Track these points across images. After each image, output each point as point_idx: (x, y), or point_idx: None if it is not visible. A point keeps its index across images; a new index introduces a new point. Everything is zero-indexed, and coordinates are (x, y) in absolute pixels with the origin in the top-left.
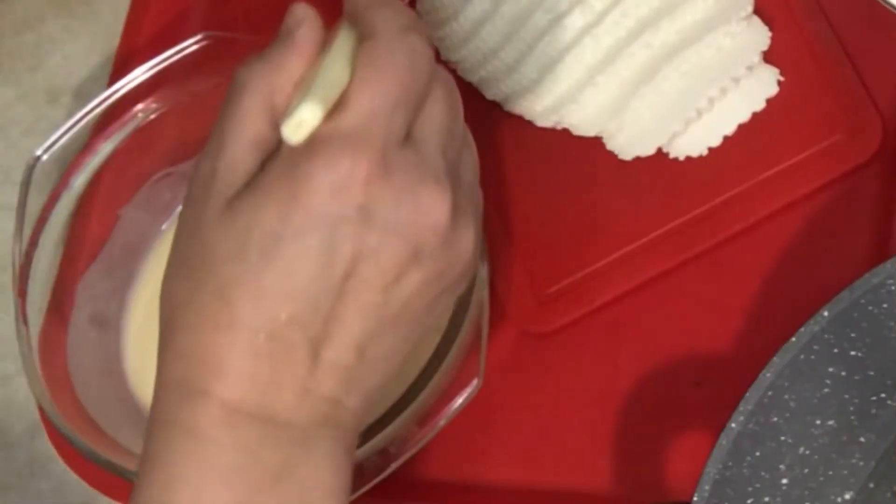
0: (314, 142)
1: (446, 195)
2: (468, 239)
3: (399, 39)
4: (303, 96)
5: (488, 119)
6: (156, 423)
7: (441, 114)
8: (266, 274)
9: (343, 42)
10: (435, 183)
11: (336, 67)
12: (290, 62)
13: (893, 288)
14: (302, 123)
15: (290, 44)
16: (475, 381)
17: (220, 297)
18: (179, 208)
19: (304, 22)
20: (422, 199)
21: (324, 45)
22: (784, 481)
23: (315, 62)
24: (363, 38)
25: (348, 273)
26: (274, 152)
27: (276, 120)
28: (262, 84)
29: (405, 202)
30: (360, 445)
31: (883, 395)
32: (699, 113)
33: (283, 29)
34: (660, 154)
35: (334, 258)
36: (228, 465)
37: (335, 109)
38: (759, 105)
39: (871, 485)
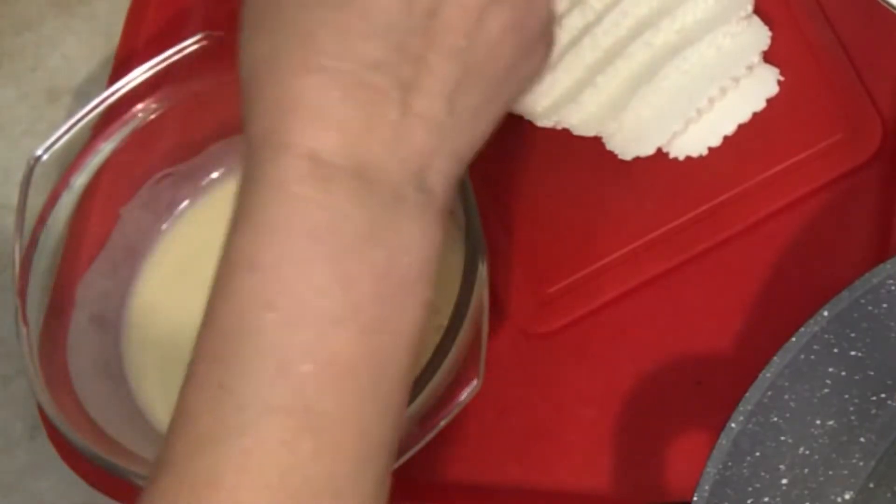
0: None
1: None
2: (540, 3)
3: None
4: None
5: None
6: (244, 182)
7: None
8: (350, 13)
9: None
10: None
11: None
12: None
13: (893, 288)
14: None
15: None
16: (475, 381)
17: (305, 42)
18: (180, 208)
19: None
20: None
21: None
22: (784, 481)
23: None
24: None
25: (432, 11)
26: None
27: None
28: None
29: None
30: None
31: (883, 395)
32: (699, 113)
33: None
34: (660, 154)
35: None
36: (318, 224)
37: None
38: (759, 105)
39: (871, 485)
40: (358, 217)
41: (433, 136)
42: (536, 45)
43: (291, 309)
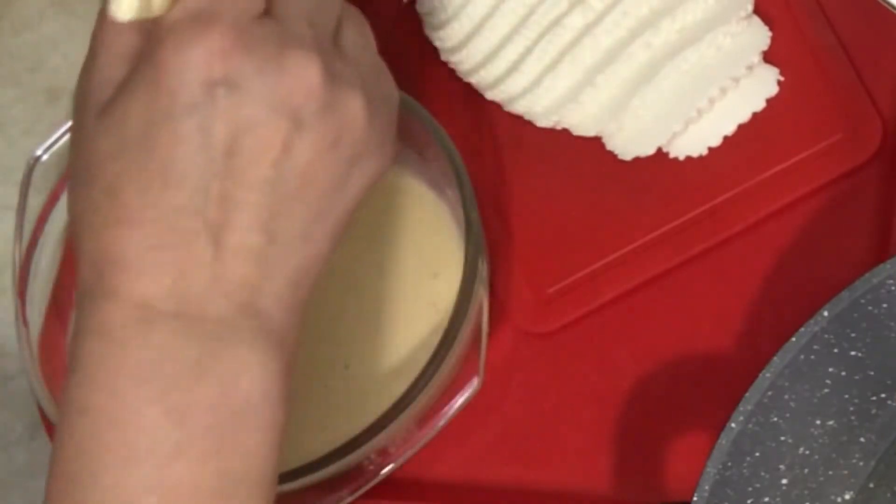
0: (165, 27)
1: (313, 58)
2: (355, 105)
3: None
4: None
5: (488, 119)
6: (75, 332)
7: None
8: (147, 163)
9: None
10: (299, 48)
11: None
12: None
13: (893, 288)
14: None
15: None
16: (475, 381)
17: (109, 194)
18: None
19: None
20: (286, 64)
21: None
22: (784, 481)
23: None
24: None
25: (230, 150)
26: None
27: (143, 27)
28: None
29: (269, 70)
30: (359, 445)
31: (883, 395)
32: (699, 113)
33: None
34: (660, 154)
35: (211, 137)
36: (142, 363)
37: None
38: (759, 105)
39: (871, 485)
40: (183, 353)
41: (256, 267)
42: (366, 157)
43: (125, 448)
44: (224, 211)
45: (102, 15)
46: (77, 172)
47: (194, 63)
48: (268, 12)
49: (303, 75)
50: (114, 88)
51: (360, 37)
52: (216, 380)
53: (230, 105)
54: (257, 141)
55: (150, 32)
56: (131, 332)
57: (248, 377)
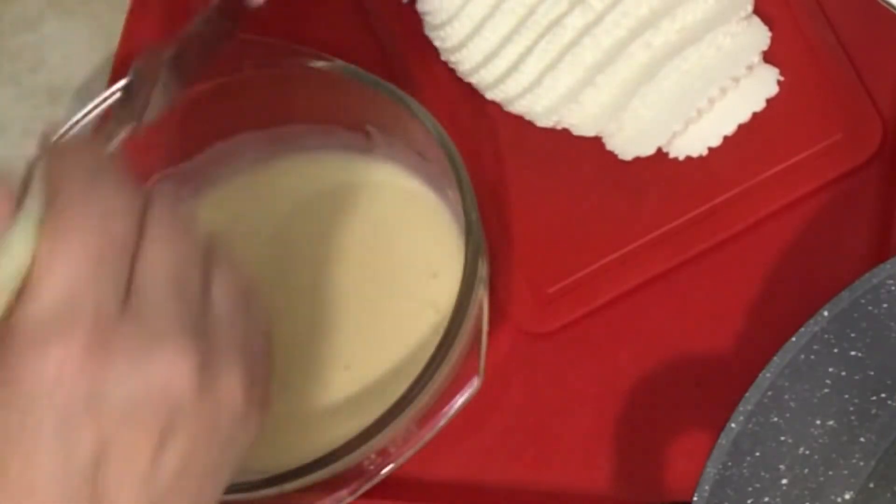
0: (17, 336)
1: (185, 350)
2: (232, 383)
3: (84, 191)
4: None
5: (488, 119)
6: None
7: (163, 253)
8: (6, 479)
9: (30, 210)
10: (170, 341)
11: (17, 241)
12: None
13: (893, 288)
14: None
15: None
16: (475, 381)
17: None
18: None
19: None
20: (155, 365)
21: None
22: (784, 481)
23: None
24: (48, 201)
25: (97, 461)
26: None
27: None
28: None
29: (136, 376)
30: (359, 445)
31: (883, 395)
32: (699, 113)
33: None
34: (660, 154)
35: (75, 451)
36: None
37: (29, 293)
38: (759, 105)
39: (871, 485)
40: None
41: None
42: (243, 426)
43: None
44: None
45: None
46: None
47: (54, 377)
48: (129, 291)
49: (174, 376)
50: None
51: (229, 284)
52: None
53: (93, 418)
54: (126, 451)
55: (4, 334)
56: None
57: None
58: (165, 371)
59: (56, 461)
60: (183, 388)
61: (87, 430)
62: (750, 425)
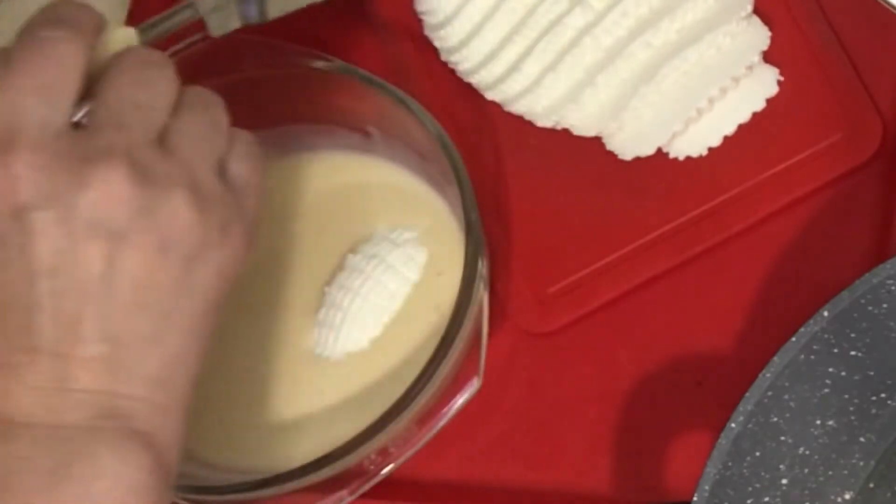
0: None
1: (115, 166)
2: (177, 204)
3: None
4: None
5: (488, 119)
6: None
7: (195, 115)
8: None
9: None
10: (100, 158)
11: None
12: None
13: (893, 288)
14: None
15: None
16: (475, 381)
17: None
18: None
19: None
20: (87, 178)
21: None
22: (784, 481)
23: None
24: None
25: (54, 271)
26: None
27: None
28: None
29: (72, 187)
30: (359, 445)
31: (883, 395)
32: (699, 113)
33: None
34: (660, 154)
35: (30, 261)
36: (2, 474)
37: None
38: (759, 105)
39: (871, 485)
40: (39, 458)
41: (107, 373)
42: (200, 252)
43: None
44: (61, 325)
45: None
46: None
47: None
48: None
49: (106, 187)
50: None
51: (244, 143)
52: (76, 480)
53: (42, 228)
54: (77, 259)
55: None
56: None
57: (111, 475)
58: (98, 186)
59: (15, 273)
60: (119, 200)
61: (37, 243)
62: (750, 425)
